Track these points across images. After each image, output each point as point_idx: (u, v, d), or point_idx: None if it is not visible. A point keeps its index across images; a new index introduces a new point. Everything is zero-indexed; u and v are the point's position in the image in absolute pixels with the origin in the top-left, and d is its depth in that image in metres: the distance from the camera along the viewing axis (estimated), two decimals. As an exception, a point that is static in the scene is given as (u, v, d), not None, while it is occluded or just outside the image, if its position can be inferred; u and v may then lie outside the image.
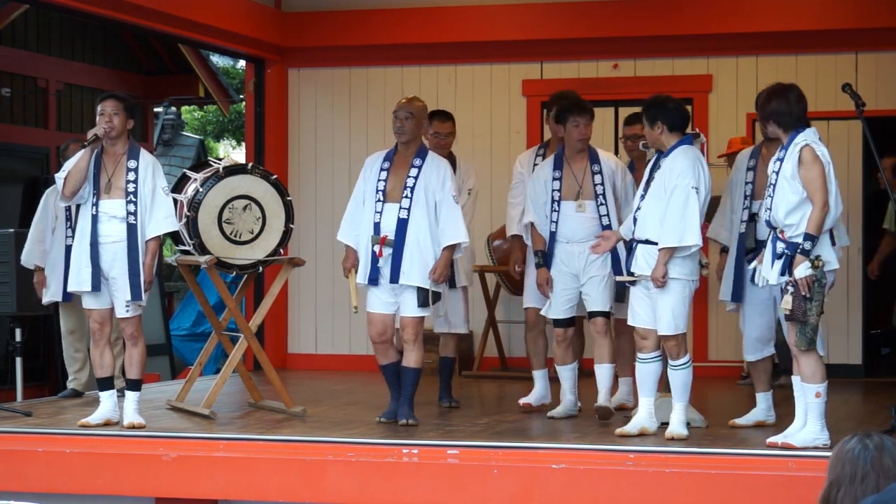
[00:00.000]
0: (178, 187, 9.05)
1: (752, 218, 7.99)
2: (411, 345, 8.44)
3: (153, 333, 13.99)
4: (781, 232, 7.23)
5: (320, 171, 12.69)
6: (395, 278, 8.33)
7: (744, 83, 11.76)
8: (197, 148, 22.49)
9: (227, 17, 11.94)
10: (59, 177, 8.29)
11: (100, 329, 8.35)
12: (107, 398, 8.41)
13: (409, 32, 12.35)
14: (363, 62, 12.67)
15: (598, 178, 8.61)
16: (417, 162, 8.43)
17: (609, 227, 8.54)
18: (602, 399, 8.51)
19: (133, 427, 8.21)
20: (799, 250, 7.09)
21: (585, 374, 9.17)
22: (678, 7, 11.82)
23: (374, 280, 8.39)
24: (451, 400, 9.44)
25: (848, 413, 8.81)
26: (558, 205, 8.61)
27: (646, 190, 7.85)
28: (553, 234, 8.64)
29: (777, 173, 7.26)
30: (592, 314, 8.60)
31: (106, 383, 8.43)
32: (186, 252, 9.00)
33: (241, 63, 19.63)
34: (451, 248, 8.43)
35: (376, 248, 8.35)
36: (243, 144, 21.20)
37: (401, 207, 8.35)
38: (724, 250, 8.34)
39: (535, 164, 9.15)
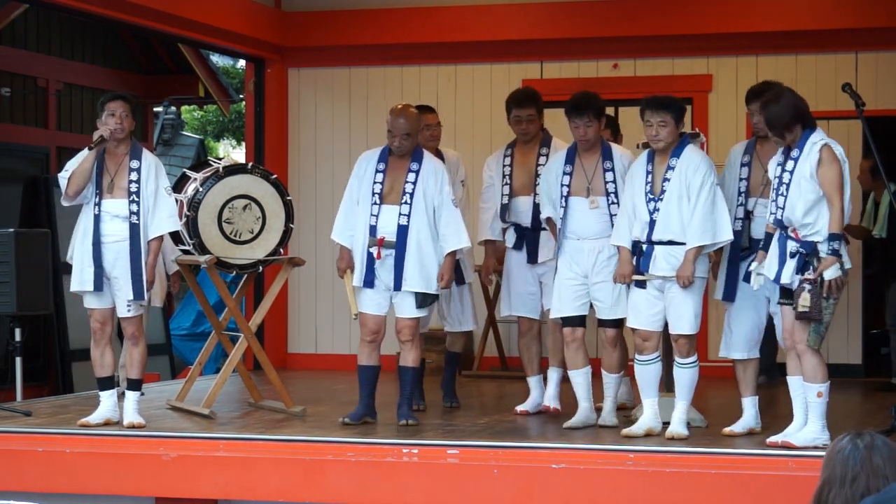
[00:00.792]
0: (178, 187, 9.05)
1: (747, 216, 7.97)
2: (409, 345, 8.43)
3: (153, 333, 13.98)
4: (794, 231, 7.23)
5: (320, 170, 12.69)
6: (398, 286, 8.31)
7: (744, 83, 11.71)
8: (197, 148, 22.49)
9: (227, 17, 11.94)
10: (62, 177, 8.29)
11: (101, 329, 8.36)
12: (107, 398, 8.41)
13: (409, 32, 12.35)
14: (363, 62, 12.67)
15: (609, 176, 8.30)
16: (414, 166, 8.38)
17: None
18: (607, 412, 8.23)
19: (133, 427, 8.21)
20: (829, 251, 7.11)
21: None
22: (678, 7, 11.82)
23: (369, 283, 8.37)
24: (452, 399, 9.38)
25: (848, 413, 8.81)
26: (566, 200, 8.35)
27: (652, 191, 7.80)
28: (562, 230, 8.38)
29: (791, 172, 7.25)
30: (603, 323, 8.28)
31: (106, 383, 8.43)
32: (186, 252, 9.00)
33: (241, 63, 19.64)
34: (454, 253, 8.42)
35: (374, 251, 8.33)
36: (243, 144, 21.20)
37: (400, 213, 8.30)
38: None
39: (504, 165, 9.00)
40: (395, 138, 8.37)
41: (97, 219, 8.23)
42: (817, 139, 7.28)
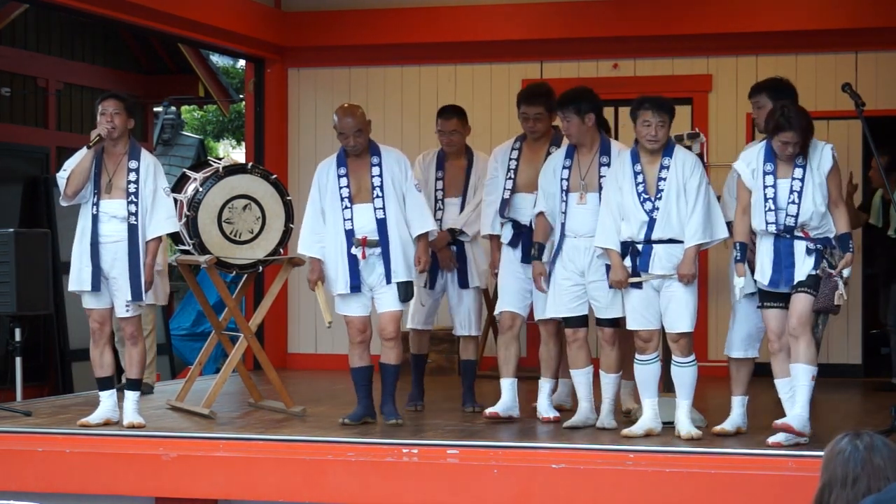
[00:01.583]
0: (177, 187, 9.05)
1: None
2: (392, 342, 8.40)
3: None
4: (804, 230, 7.35)
5: (320, 170, 12.68)
6: (389, 279, 8.31)
7: (744, 83, 11.71)
8: (197, 148, 22.50)
9: (227, 17, 11.94)
10: (61, 177, 8.29)
11: (100, 329, 8.36)
12: (107, 398, 8.40)
13: (409, 32, 12.35)
14: (363, 62, 12.67)
15: (605, 171, 8.17)
16: (375, 160, 8.39)
17: None
18: (605, 414, 8.15)
19: (133, 427, 8.21)
20: (851, 250, 7.31)
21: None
22: (678, 7, 11.82)
23: (356, 287, 8.35)
24: (474, 404, 9.13)
25: (848, 413, 8.82)
26: (566, 195, 8.24)
27: (647, 191, 7.79)
28: (562, 227, 8.25)
29: (802, 180, 7.35)
30: (600, 322, 8.20)
31: (105, 383, 8.43)
32: (186, 252, 9.00)
33: (241, 63, 19.63)
34: (426, 236, 8.42)
35: (357, 252, 8.32)
36: (243, 144, 21.19)
37: (375, 208, 8.30)
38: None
39: (510, 159, 8.75)
40: (347, 138, 8.37)
41: (95, 219, 8.23)
42: (822, 144, 7.41)
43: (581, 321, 8.27)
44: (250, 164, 9.44)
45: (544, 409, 8.50)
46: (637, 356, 7.92)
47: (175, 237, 8.97)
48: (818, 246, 7.32)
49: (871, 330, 12.17)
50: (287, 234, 9.04)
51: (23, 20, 14.29)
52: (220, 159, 9.62)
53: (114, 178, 8.24)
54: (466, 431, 8.22)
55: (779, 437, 7.36)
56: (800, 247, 7.35)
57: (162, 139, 21.57)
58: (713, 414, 8.36)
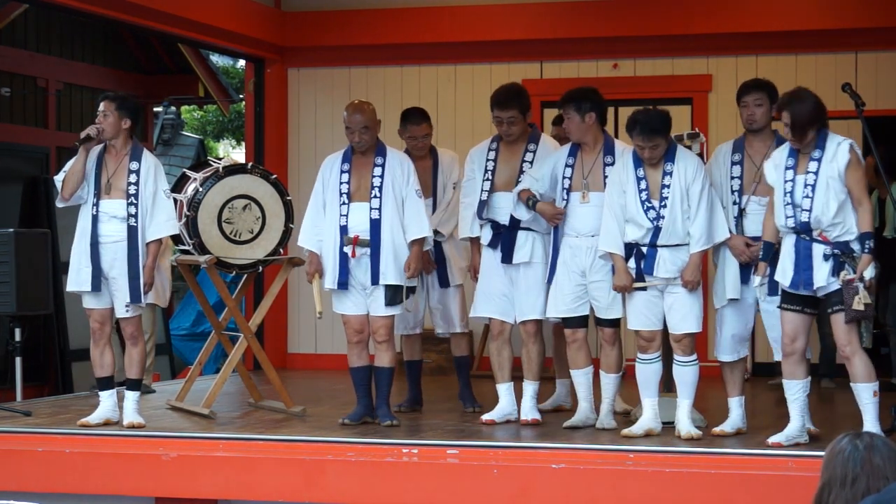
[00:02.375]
0: (177, 187, 9.05)
1: (741, 214, 7.89)
2: (385, 345, 8.40)
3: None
4: (821, 234, 7.22)
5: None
6: (375, 280, 8.28)
7: (744, 83, 11.75)
8: (197, 148, 22.50)
9: (227, 17, 11.94)
10: (58, 179, 8.30)
11: (100, 329, 8.36)
12: (106, 398, 8.40)
13: (409, 32, 12.36)
14: (363, 62, 12.68)
15: (608, 171, 8.10)
16: (379, 160, 8.37)
17: None
18: (604, 414, 8.13)
19: (133, 427, 8.21)
20: (866, 251, 7.17)
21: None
22: (678, 7, 11.82)
23: (343, 284, 8.35)
24: (474, 403, 9.10)
25: (848, 413, 8.80)
26: (567, 193, 8.19)
27: (650, 198, 7.76)
28: (564, 226, 8.19)
29: (816, 174, 7.24)
30: (601, 322, 8.18)
31: (105, 383, 8.43)
32: (186, 252, 9.00)
33: (241, 63, 19.64)
34: (420, 242, 8.36)
35: (348, 250, 8.31)
36: (243, 144, 21.19)
37: (371, 208, 8.29)
38: None
39: (487, 160, 8.62)
40: (353, 134, 8.35)
41: (95, 219, 8.23)
42: (840, 139, 7.31)
43: (581, 321, 8.25)
44: (250, 164, 9.44)
45: (526, 410, 8.44)
46: (639, 355, 7.91)
47: (175, 237, 8.97)
48: (835, 251, 7.18)
49: (872, 330, 12.14)
50: (287, 234, 9.04)
51: (23, 20, 14.29)
52: (220, 159, 9.62)
53: (113, 179, 8.24)
54: (466, 431, 8.22)
55: (779, 437, 7.36)
56: (818, 250, 7.23)
57: (162, 139, 21.58)
58: (713, 414, 8.36)
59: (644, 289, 7.81)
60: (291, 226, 9.02)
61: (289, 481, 7.59)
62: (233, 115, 23.91)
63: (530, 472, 7.27)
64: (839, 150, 7.26)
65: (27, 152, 14.38)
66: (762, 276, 7.52)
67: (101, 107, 8.28)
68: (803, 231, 7.25)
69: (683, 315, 7.78)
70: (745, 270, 7.78)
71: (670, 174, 7.76)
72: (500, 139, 8.67)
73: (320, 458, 7.61)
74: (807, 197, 7.23)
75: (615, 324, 8.15)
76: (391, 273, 8.29)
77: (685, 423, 7.72)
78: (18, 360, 10.21)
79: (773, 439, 7.37)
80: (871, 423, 7.24)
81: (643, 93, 11.51)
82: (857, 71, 11.56)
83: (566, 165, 8.23)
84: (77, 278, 8.29)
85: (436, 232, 8.93)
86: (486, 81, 12.43)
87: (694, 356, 7.83)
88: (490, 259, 8.61)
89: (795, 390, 7.43)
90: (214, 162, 9.30)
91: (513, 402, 8.55)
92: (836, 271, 7.19)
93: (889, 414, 7.86)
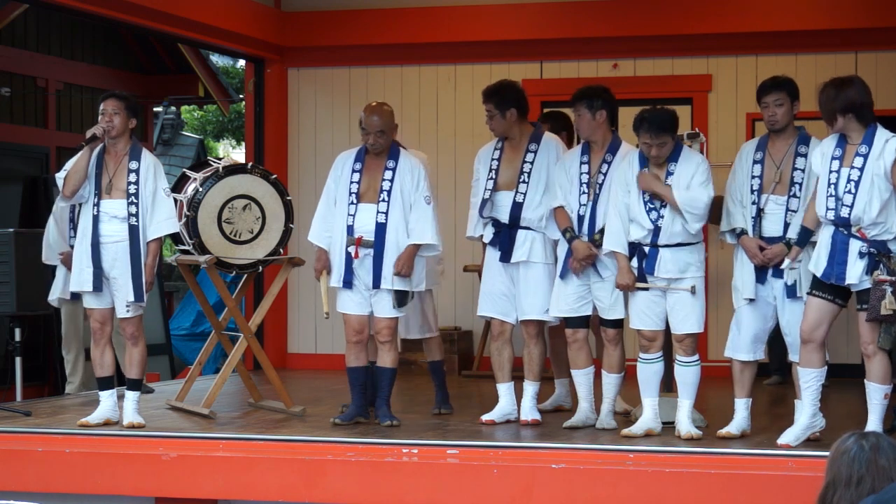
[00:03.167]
0: (177, 187, 9.05)
1: (759, 213, 7.84)
2: (387, 346, 8.39)
3: (153, 333, 13.97)
4: (860, 231, 7.13)
5: (320, 170, 12.64)
6: (377, 283, 8.27)
7: (743, 83, 11.75)
8: (196, 147, 22.51)
9: (227, 17, 11.94)
10: (60, 177, 8.29)
11: (101, 329, 8.36)
12: (106, 398, 8.40)
13: (409, 32, 12.35)
14: (363, 62, 12.67)
15: (604, 167, 8.12)
16: (391, 164, 8.33)
17: None
18: (605, 414, 8.13)
19: (133, 427, 8.21)
20: None
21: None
22: (678, 7, 11.82)
23: (348, 283, 8.34)
24: (442, 406, 9.03)
25: (848, 413, 8.79)
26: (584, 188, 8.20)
27: (652, 199, 7.74)
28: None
29: (861, 169, 7.13)
30: (603, 322, 8.18)
31: (106, 383, 8.43)
32: (186, 252, 9.00)
33: (241, 63, 19.63)
34: (417, 246, 8.30)
35: (352, 250, 8.29)
36: (243, 144, 21.20)
37: (378, 211, 8.26)
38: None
39: (492, 158, 8.59)
40: (369, 136, 8.31)
41: (96, 219, 8.23)
42: (889, 136, 7.18)
43: (582, 321, 8.25)
44: (250, 164, 9.44)
45: (526, 411, 8.43)
46: (640, 355, 7.92)
47: (175, 237, 8.96)
48: (872, 249, 7.10)
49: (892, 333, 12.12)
50: (287, 234, 9.04)
51: (23, 20, 14.29)
52: (219, 159, 9.61)
53: (114, 179, 8.24)
54: (466, 431, 8.22)
55: (788, 438, 7.33)
56: (854, 246, 7.14)
57: (162, 139, 21.58)
58: (713, 414, 8.36)
59: (646, 289, 7.82)
60: (291, 226, 9.02)
61: (289, 481, 7.59)
62: (233, 115, 23.92)
63: (530, 473, 7.27)
64: (887, 147, 7.15)
65: (27, 152, 14.38)
66: (792, 261, 7.44)
67: (110, 106, 8.23)
68: (842, 225, 7.17)
69: (685, 315, 7.78)
70: (761, 271, 7.69)
71: (673, 174, 7.77)
72: (506, 138, 8.64)
73: (320, 458, 7.61)
74: (849, 192, 7.14)
75: (618, 324, 8.15)
76: (394, 278, 8.28)
77: (685, 424, 7.72)
78: (18, 360, 10.21)
79: (782, 440, 7.34)
80: (874, 423, 7.23)
81: (643, 93, 11.50)
82: (857, 71, 11.53)
83: (582, 163, 8.22)
84: (79, 278, 8.29)
85: None
86: (486, 81, 12.27)
87: (696, 356, 7.83)
88: (491, 258, 8.61)
89: (810, 378, 7.36)
90: (214, 162, 9.30)
91: (513, 402, 8.54)
92: (869, 269, 7.10)
93: (890, 414, 7.84)
